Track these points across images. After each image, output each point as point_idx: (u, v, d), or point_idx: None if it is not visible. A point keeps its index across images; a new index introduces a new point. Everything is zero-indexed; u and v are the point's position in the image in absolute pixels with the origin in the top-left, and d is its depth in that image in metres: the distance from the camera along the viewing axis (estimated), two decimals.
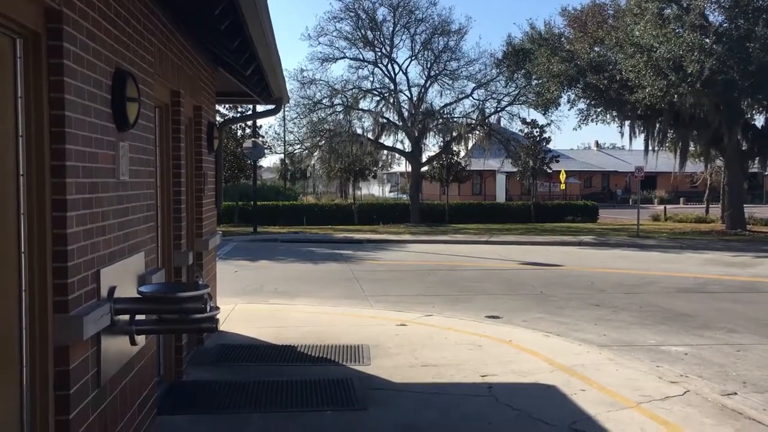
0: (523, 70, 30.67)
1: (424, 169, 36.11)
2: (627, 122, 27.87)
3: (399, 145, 36.02)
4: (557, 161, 37.09)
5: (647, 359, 7.39)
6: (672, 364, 7.25)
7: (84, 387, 3.38)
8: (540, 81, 28.28)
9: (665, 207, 40.23)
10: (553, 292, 12.11)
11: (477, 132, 35.79)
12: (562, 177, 39.23)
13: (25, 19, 2.92)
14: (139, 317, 4.07)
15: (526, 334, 8.41)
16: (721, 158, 29.61)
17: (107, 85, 3.79)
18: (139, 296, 4.03)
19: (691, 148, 30.13)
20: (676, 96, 22.97)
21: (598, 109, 27.63)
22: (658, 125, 27.41)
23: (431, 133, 35.37)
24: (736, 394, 6.16)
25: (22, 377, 3.04)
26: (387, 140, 35.60)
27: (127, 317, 3.94)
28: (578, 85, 26.44)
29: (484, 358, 7.15)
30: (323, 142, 34.64)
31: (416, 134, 34.10)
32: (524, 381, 6.32)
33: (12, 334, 2.98)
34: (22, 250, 3.03)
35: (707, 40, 22.52)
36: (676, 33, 22.80)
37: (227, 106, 28.71)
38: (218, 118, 9.54)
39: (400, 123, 34.63)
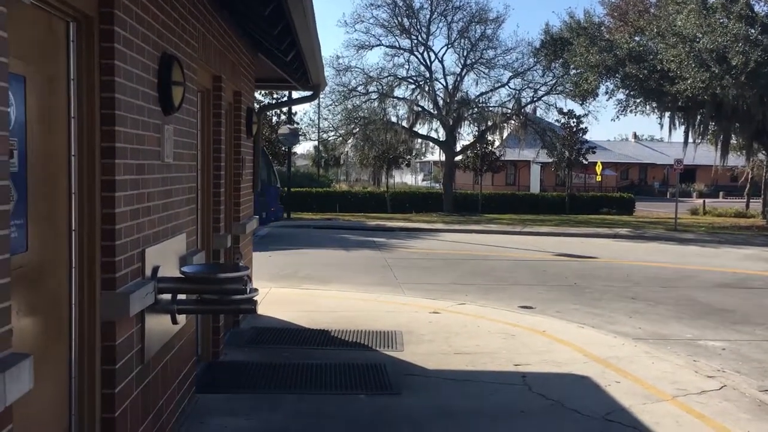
0: (560, 60, 30.28)
1: (458, 158, 35.97)
2: (667, 113, 27.34)
3: (433, 134, 35.94)
4: (593, 152, 36.61)
5: (683, 353, 7.31)
6: (709, 358, 7.16)
7: (129, 362, 3.48)
8: (578, 71, 27.88)
9: (704, 201, 39.47)
10: (588, 283, 12.01)
11: (512, 122, 35.49)
12: (598, 168, 38.75)
13: (78, 2, 2.99)
14: (180, 297, 4.16)
15: (560, 325, 8.38)
16: (763, 152, 28.93)
17: (154, 69, 3.86)
18: (182, 276, 4.12)
19: (733, 141, 29.49)
20: (718, 88, 22.46)
21: (638, 100, 27.14)
22: (699, 117, 26.84)
23: (466, 122, 35.16)
24: None
25: (71, 351, 3.14)
26: (421, 129, 35.52)
27: (169, 296, 4.03)
28: (617, 75, 25.99)
29: (518, 347, 7.14)
30: (357, 129, 34.69)
31: (451, 123, 33.95)
32: (558, 371, 6.31)
33: (62, 309, 3.08)
34: (73, 228, 3.12)
35: (753, 31, 21.97)
36: (721, 23, 22.26)
37: (263, 92, 28.91)
38: (255, 105, 9.62)
39: (435, 111, 34.49)
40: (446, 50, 43.13)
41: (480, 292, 10.84)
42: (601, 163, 39.61)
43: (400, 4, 34.04)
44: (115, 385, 3.30)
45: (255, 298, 4.26)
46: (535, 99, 34.57)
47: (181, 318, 4.37)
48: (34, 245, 2.74)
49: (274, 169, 21.85)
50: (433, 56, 35.85)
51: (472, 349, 7.01)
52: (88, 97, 3.17)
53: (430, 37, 35.15)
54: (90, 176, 3.20)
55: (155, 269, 3.84)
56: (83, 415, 3.20)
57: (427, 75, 34.96)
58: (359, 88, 34.35)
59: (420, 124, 35.33)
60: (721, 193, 53.87)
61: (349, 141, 36.58)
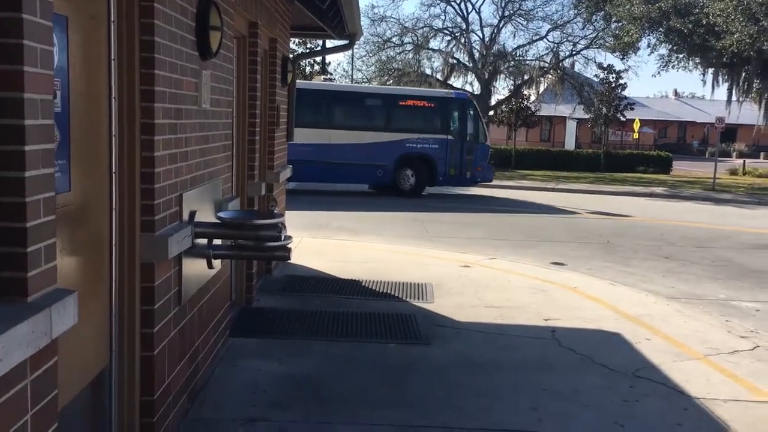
0: (602, 12, 29.45)
1: (492, 113, 35.51)
2: (710, 70, 26.56)
3: (468, 87, 35.46)
4: (632, 109, 35.76)
5: (716, 313, 7.25)
6: (742, 319, 7.09)
7: (167, 303, 3.56)
8: (620, 23, 27.10)
9: (744, 161, 38.47)
10: (621, 242, 11.90)
11: (549, 76, 34.82)
12: (636, 126, 37.91)
13: None
14: (216, 242, 4.23)
15: (592, 282, 8.34)
16: None
17: (192, 13, 3.85)
18: (218, 221, 4.18)
19: None
20: (766, 44, 21.67)
21: (680, 56, 26.36)
22: (743, 74, 26.02)
23: (502, 75, 34.62)
24: None
25: (112, 291, 3.22)
26: (456, 82, 35.08)
27: (205, 241, 4.10)
28: (660, 29, 25.23)
29: (548, 302, 7.15)
30: (391, 81, 34.36)
31: (486, 76, 33.43)
32: (588, 327, 6.31)
33: (103, 249, 3.14)
34: (113, 170, 3.16)
35: None
36: None
37: (296, 41, 28.68)
38: (290, 55, 9.55)
39: (471, 64, 33.97)
40: (484, 1, 42.12)
41: (511, 248, 10.82)
42: (639, 120, 38.71)
43: None
44: (153, 325, 3.39)
45: (289, 246, 4.31)
46: (573, 53, 33.85)
47: (217, 263, 4.44)
48: (76, 186, 2.79)
49: (482, 122, 19.73)
50: (470, 7, 35.16)
51: (502, 303, 7.04)
52: (128, 39, 3.17)
53: None
54: (130, 119, 3.23)
55: (192, 214, 3.89)
56: (123, 353, 3.31)
57: (464, 26, 34.34)
58: (394, 39, 33.94)
59: (455, 77, 34.91)
60: (762, 154, 52.46)
61: None
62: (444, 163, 18.45)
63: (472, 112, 18.96)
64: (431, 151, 18.43)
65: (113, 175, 3.17)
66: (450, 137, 18.55)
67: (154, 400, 3.43)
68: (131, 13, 3.16)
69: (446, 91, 20.73)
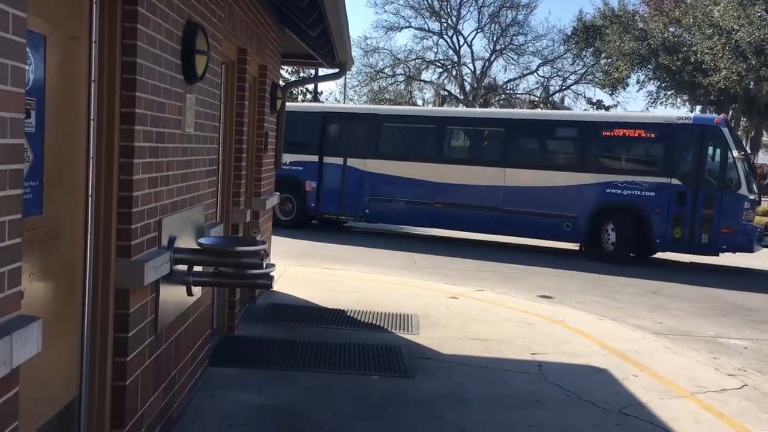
0: (592, 48, 29.89)
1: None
2: (698, 107, 26.88)
3: None
4: None
5: (704, 350, 7.18)
6: (730, 356, 7.02)
7: (142, 331, 3.46)
8: (609, 59, 27.47)
9: None
10: (609, 277, 11.84)
11: (539, 109, 35.10)
12: None
13: None
14: (196, 269, 4.13)
15: (580, 316, 8.26)
16: None
17: (178, 36, 3.80)
18: (198, 248, 4.09)
19: (765, 138, 28.92)
20: (752, 83, 22.00)
21: (669, 92, 26.71)
22: (730, 112, 26.34)
23: (492, 108, 34.84)
24: None
25: (84, 317, 3.12)
26: None
27: (185, 267, 4.00)
28: (649, 65, 25.58)
29: (535, 336, 7.06)
30: None
31: (477, 108, 33.67)
32: (575, 362, 6.22)
33: (76, 275, 3.05)
34: (90, 193, 3.08)
35: None
36: (759, 16, 21.75)
37: (289, 70, 28.88)
38: (281, 82, 9.57)
39: (462, 96, 34.24)
40: (476, 35, 42.74)
41: (499, 280, 10.74)
42: None
43: None
44: (127, 354, 3.28)
45: (272, 274, 4.22)
46: (563, 87, 34.22)
47: (197, 290, 4.34)
48: (49, 208, 2.71)
49: (738, 158, 12.68)
50: (462, 40, 35.59)
51: (488, 336, 6.94)
52: (109, 60, 3.12)
53: (460, 21, 34.93)
54: (109, 141, 3.16)
55: (172, 239, 3.80)
56: (94, 382, 3.19)
57: (455, 59, 34.71)
58: (386, 70, 34.23)
59: (446, 108, 35.08)
60: None
61: None
62: (664, 219, 12.80)
63: (717, 145, 12.81)
64: (644, 201, 12.94)
65: (89, 198, 3.09)
66: (676, 181, 12.83)
67: None
68: (113, 33, 3.11)
69: (680, 115, 14.02)
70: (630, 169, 13.34)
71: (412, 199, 14.75)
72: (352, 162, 15.39)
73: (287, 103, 19.98)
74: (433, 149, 14.98)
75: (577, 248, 14.22)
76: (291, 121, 15.42)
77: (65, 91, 2.83)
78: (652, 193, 12.89)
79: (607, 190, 13.22)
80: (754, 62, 21.14)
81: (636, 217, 13.03)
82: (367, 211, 15.19)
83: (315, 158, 15.69)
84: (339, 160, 15.53)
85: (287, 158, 16.07)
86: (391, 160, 14.99)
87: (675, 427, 4.74)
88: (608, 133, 13.58)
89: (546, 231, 13.79)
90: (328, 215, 16.05)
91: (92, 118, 3.06)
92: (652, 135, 13.28)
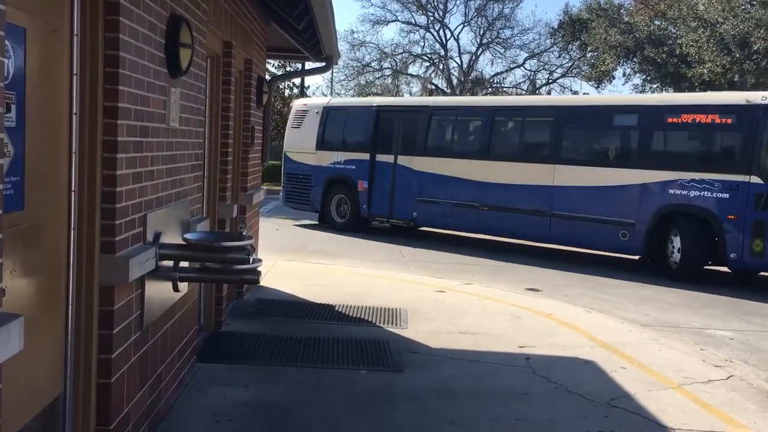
0: (578, 42, 29.96)
1: None
2: None
3: None
4: None
5: (691, 341, 7.22)
6: (717, 347, 7.06)
7: (127, 328, 3.42)
8: (595, 52, 27.57)
9: None
10: (597, 270, 11.88)
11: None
12: None
13: None
14: (183, 264, 4.09)
15: (567, 309, 8.29)
16: None
17: (161, 30, 3.76)
18: (184, 243, 4.05)
19: None
20: (736, 75, 22.15)
21: (654, 85, 26.84)
22: None
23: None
24: None
25: (68, 314, 3.08)
26: None
27: (171, 263, 3.96)
28: (635, 58, 25.70)
29: (523, 329, 7.07)
30: None
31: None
32: (563, 355, 6.23)
33: (60, 271, 3.01)
34: (73, 188, 3.04)
35: None
36: (743, 9, 21.90)
37: (275, 64, 28.75)
38: (267, 76, 9.53)
39: (449, 90, 34.22)
40: (462, 28, 42.67)
41: (487, 273, 10.74)
42: None
43: None
44: (112, 351, 3.24)
45: (259, 269, 4.20)
46: (550, 81, 34.30)
47: (183, 286, 4.31)
48: (31, 204, 2.66)
49: None
50: (448, 34, 35.54)
51: (476, 329, 6.94)
52: (91, 53, 3.07)
53: (447, 15, 34.90)
54: (92, 136, 3.11)
55: (157, 235, 3.76)
56: (79, 379, 3.15)
57: (442, 53, 34.68)
58: (373, 64, 34.16)
59: None
60: None
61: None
62: (740, 228, 9.89)
63: None
64: (714, 204, 10.10)
65: (72, 193, 3.04)
66: (757, 179, 9.82)
67: (111, 430, 3.26)
68: (95, 26, 3.06)
69: (760, 94, 10.55)
70: (698, 165, 10.48)
71: (459, 201, 13.00)
72: (402, 160, 13.94)
73: (341, 99, 18.71)
74: (479, 144, 13.17)
75: (637, 260, 11.69)
76: (343, 118, 15.13)
77: (47, 85, 2.78)
78: (725, 195, 10.01)
79: (670, 191, 10.52)
80: (738, 55, 21.29)
81: (704, 224, 10.26)
82: (414, 214, 13.70)
83: (366, 156, 14.44)
84: (389, 158, 14.12)
85: (341, 156, 14.94)
86: (438, 157, 13.43)
87: (663, 418, 4.76)
88: (674, 120, 10.85)
89: (597, 239, 11.46)
90: (378, 218, 14.60)
91: (75, 112, 3.02)
92: (728, 121, 10.35)
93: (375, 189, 14.25)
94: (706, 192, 10.18)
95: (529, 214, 12.07)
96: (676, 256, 10.61)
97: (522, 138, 12.92)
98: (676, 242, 10.59)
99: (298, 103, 17.21)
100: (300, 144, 15.71)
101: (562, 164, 11.81)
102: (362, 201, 14.37)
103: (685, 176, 10.38)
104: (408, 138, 13.93)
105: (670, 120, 10.90)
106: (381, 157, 14.25)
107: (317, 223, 15.57)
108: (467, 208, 12.89)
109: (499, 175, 12.55)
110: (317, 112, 15.46)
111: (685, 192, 10.37)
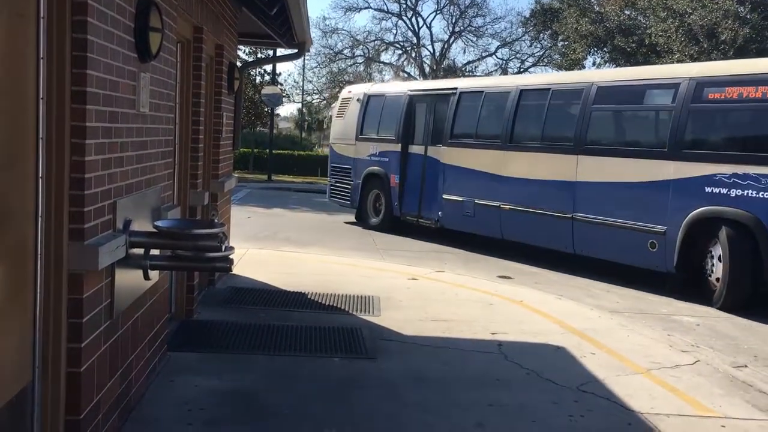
0: (549, 31, 30.12)
1: None
2: None
3: None
4: None
5: (659, 327, 7.35)
6: (684, 333, 7.20)
7: (97, 317, 3.37)
8: (566, 42, 27.77)
9: None
10: (567, 258, 12.00)
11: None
12: None
13: None
14: (153, 252, 4.04)
15: (539, 296, 8.37)
16: None
17: (131, 13, 3.69)
18: (155, 230, 4.00)
19: None
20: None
21: None
22: None
23: None
24: (746, 366, 6.11)
25: (36, 303, 3.02)
26: None
27: (141, 251, 3.91)
28: (605, 47, 25.95)
29: (495, 316, 7.13)
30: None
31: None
32: (534, 341, 6.30)
33: (27, 259, 2.95)
34: (40, 175, 2.98)
35: (742, 9, 21.95)
36: (711, 0, 22.25)
37: (247, 51, 28.46)
38: (238, 63, 9.43)
39: (421, 78, 34.20)
40: (435, 16, 42.79)
41: (459, 261, 10.81)
42: None
43: None
44: (81, 339, 3.20)
45: (231, 257, 4.16)
46: (522, 69, 34.44)
47: (154, 274, 4.26)
48: None
49: None
50: (421, 22, 35.51)
51: (449, 317, 6.98)
52: (58, 37, 3.00)
53: (419, 2, 34.78)
54: (59, 121, 3.05)
55: (127, 222, 3.71)
56: (47, 369, 3.10)
57: (415, 41, 34.65)
58: (345, 51, 34.01)
59: None
60: None
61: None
62: None
63: None
64: (760, 207, 7.74)
65: (40, 180, 2.98)
66: None
67: (81, 420, 3.22)
68: (62, 9, 2.99)
69: None
70: (743, 155, 7.96)
71: (483, 200, 11.31)
72: (432, 151, 12.49)
73: (380, 86, 17.51)
74: (502, 131, 11.16)
75: (671, 275, 8.97)
76: (380, 105, 13.81)
77: (12, 69, 2.72)
78: None
79: (707, 189, 8.11)
80: (705, 45, 21.63)
81: (746, 235, 7.88)
82: (440, 213, 12.21)
83: (398, 147, 13.13)
84: (420, 149, 12.78)
85: (377, 148, 13.43)
86: (466, 148, 11.77)
87: (631, 402, 4.85)
88: (716, 95, 8.30)
89: (622, 251, 9.27)
90: (410, 217, 13.03)
91: (41, 97, 2.95)
92: None
93: (406, 184, 12.94)
94: (750, 190, 7.77)
95: (551, 217, 10.25)
96: (715, 276, 8.32)
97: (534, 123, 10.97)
98: (715, 257, 8.28)
99: (344, 91, 16.13)
100: (343, 135, 14.67)
101: (585, 155, 9.73)
102: (394, 197, 13.11)
103: (726, 169, 7.99)
104: (438, 125, 12.49)
105: (711, 95, 8.39)
106: (412, 149, 13.01)
107: (355, 220, 14.52)
108: (491, 208, 11.22)
109: (522, 169, 10.84)
110: (358, 100, 14.42)
111: (725, 190, 7.99)
